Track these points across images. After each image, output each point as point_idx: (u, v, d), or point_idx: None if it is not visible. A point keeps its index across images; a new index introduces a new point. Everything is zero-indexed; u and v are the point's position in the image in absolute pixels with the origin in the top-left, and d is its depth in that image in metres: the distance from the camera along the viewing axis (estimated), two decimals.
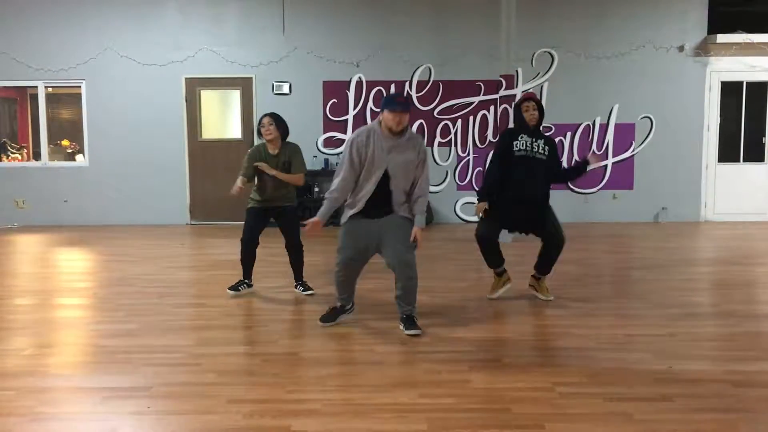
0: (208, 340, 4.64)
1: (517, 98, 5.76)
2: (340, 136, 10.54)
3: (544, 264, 5.66)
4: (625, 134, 10.72)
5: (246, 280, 5.88)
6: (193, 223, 10.75)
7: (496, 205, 5.47)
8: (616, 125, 10.70)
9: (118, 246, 8.74)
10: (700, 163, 10.78)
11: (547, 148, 5.50)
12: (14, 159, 11.13)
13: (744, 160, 10.81)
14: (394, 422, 3.25)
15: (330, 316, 4.86)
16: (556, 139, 10.61)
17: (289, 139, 5.79)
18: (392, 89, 10.48)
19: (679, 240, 9.18)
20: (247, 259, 5.86)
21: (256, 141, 9.78)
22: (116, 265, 7.45)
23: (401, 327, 4.68)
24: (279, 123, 5.67)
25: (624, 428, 3.18)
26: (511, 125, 5.90)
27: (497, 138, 5.84)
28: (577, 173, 5.78)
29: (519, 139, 5.44)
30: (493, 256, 5.61)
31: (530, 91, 5.96)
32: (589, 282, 6.44)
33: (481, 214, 5.47)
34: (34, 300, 5.90)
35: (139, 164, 10.61)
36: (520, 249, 7.14)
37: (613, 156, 10.74)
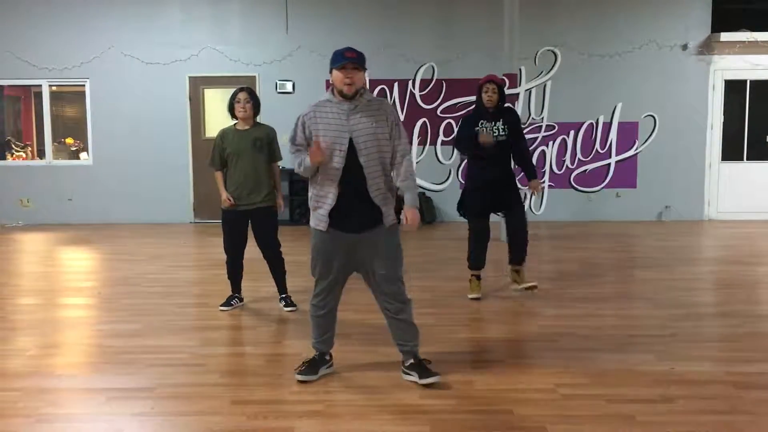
0: (212, 341, 4.66)
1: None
2: None
3: (517, 250, 5.70)
4: (629, 133, 10.70)
5: (237, 295, 5.53)
6: (196, 221, 10.77)
7: (471, 195, 5.63)
8: (620, 124, 10.68)
9: (121, 245, 8.77)
10: (704, 161, 10.76)
11: (505, 127, 5.49)
12: (19, 157, 11.15)
13: (747, 159, 10.78)
14: (397, 424, 3.27)
15: (309, 370, 3.84)
16: (559, 138, 10.63)
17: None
18: (395, 88, 10.49)
19: (683, 239, 9.17)
20: (235, 273, 5.47)
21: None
22: (120, 264, 7.48)
23: (408, 377, 3.78)
24: (255, 101, 5.26)
25: (626, 430, 3.19)
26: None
27: (459, 124, 5.87)
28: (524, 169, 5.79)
29: (479, 125, 5.46)
30: (481, 254, 5.70)
31: (492, 73, 5.88)
32: (592, 281, 6.44)
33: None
34: (38, 299, 5.92)
35: (142, 163, 10.62)
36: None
37: (617, 154, 10.72)
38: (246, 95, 5.21)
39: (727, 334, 4.81)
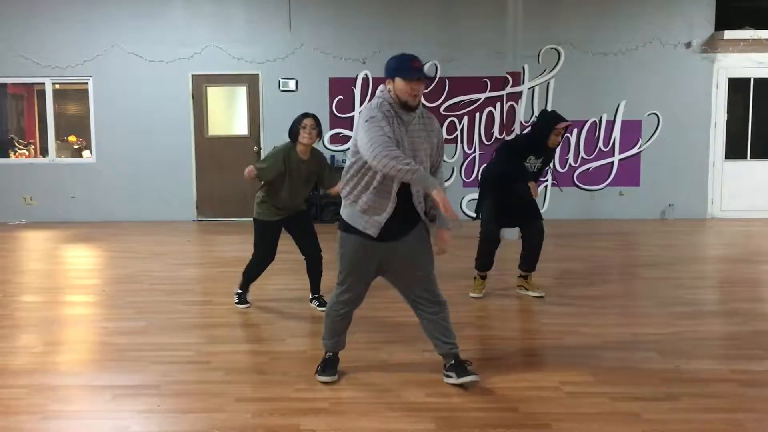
0: (217, 338, 4.67)
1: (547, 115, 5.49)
2: (346, 132, 10.54)
3: (529, 260, 5.68)
4: (632, 131, 10.68)
5: (242, 291, 5.51)
6: (199, 219, 10.78)
7: (491, 208, 5.60)
8: (623, 122, 10.67)
9: (125, 242, 8.78)
10: (707, 159, 10.74)
11: (540, 161, 5.52)
12: (22, 155, 11.17)
13: (751, 157, 10.77)
14: (402, 421, 3.28)
15: (328, 370, 3.80)
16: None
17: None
18: None
19: (686, 237, 9.17)
20: (256, 276, 5.47)
21: (261, 138, 9.63)
22: (124, 261, 7.49)
23: (449, 379, 3.71)
24: (320, 128, 5.13)
25: (631, 428, 3.19)
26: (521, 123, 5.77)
27: (517, 139, 5.76)
28: None
29: (528, 160, 5.43)
30: (489, 258, 5.70)
31: (569, 121, 5.51)
32: (596, 280, 6.44)
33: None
34: (43, 297, 5.94)
35: (145, 160, 10.63)
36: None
37: (620, 153, 10.71)
38: (313, 122, 5.06)
39: (732, 332, 4.81)
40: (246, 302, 5.49)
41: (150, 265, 7.25)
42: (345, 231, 3.63)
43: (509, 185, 5.50)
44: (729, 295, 6.00)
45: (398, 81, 3.42)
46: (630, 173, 10.74)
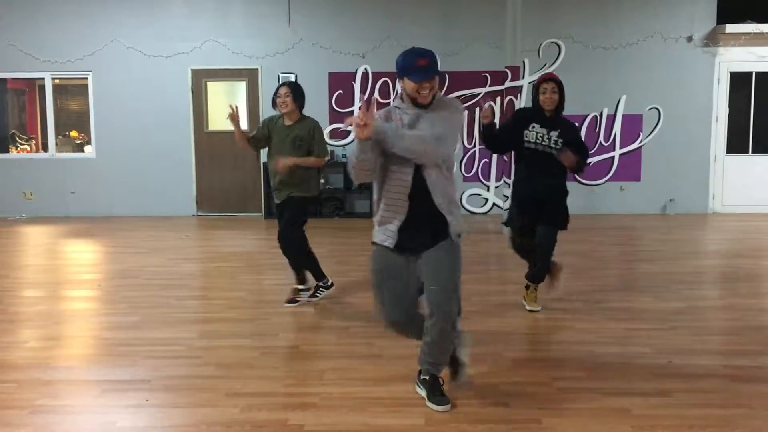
0: (210, 333, 4.67)
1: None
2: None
3: (534, 266, 5.10)
4: (633, 125, 10.62)
5: (319, 283, 5.39)
6: (199, 214, 10.77)
7: (513, 208, 5.15)
8: (624, 116, 10.56)
9: (124, 237, 8.78)
10: (708, 154, 10.69)
11: (560, 141, 4.78)
12: (23, 150, 11.19)
13: (753, 152, 10.71)
14: (392, 416, 3.27)
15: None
16: None
17: None
18: (398, 81, 10.41)
19: (687, 232, 9.12)
20: (291, 266, 5.38)
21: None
22: (122, 256, 7.49)
23: (419, 390, 3.49)
24: (297, 94, 5.14)
25: (621, 423, 3.17)
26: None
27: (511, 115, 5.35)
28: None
29: (530, 128, 4.85)
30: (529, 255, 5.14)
31: (551, 71, 5.09)
32: (594, 275, 6.41)
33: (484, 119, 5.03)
34: (39, 292, 5.94)
35: (145, 155, 10.63)
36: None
37: (621, 147, 10.64)
38: (286, 89, 5.12)
39: (728, 327, 4.79)
40: (313, 296, 5.36)
41: (148, 260, 7.24)
42: (373, 248, 3.43)
43: (525, 180, 4.93)
44: (727, 290, 5.97)
45: (406, 81, 3.27)
46: (631, 168, 10.69)
